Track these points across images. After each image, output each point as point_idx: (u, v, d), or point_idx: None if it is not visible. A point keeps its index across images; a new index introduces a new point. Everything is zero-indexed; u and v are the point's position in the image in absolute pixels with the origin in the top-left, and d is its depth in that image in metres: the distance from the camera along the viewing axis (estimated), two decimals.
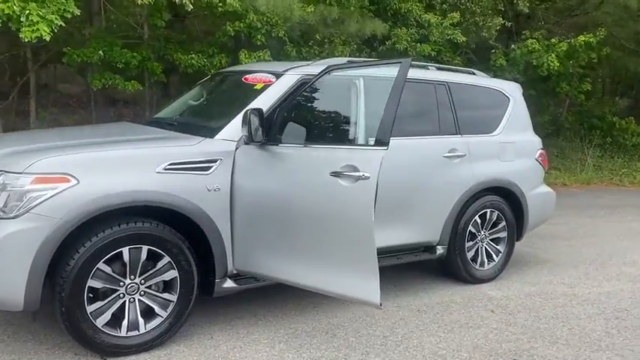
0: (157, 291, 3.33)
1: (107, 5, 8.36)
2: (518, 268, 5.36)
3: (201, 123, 3.94)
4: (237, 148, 3.46)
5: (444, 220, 4.53)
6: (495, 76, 11.50)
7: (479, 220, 4.78)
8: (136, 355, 3.23)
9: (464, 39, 9.34)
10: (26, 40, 5.64)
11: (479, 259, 4.85)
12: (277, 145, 3.45)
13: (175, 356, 3.27)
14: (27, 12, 5.59)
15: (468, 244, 4.74)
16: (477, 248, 4.85)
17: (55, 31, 5.86)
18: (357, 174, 3.08)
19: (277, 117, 3.55)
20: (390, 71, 3.24)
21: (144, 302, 3.28)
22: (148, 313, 3.30)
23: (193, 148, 3.39)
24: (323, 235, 3.20)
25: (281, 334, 3.64)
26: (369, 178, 3.02)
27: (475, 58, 11.79)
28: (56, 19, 5.80)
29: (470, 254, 4.77)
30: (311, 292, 4.22)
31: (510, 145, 4.97)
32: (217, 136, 3.51)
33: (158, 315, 3.31)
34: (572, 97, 13.40)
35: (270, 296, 4.18)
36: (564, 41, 10.52)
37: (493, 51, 11.34)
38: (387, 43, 9.11)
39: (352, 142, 3.65)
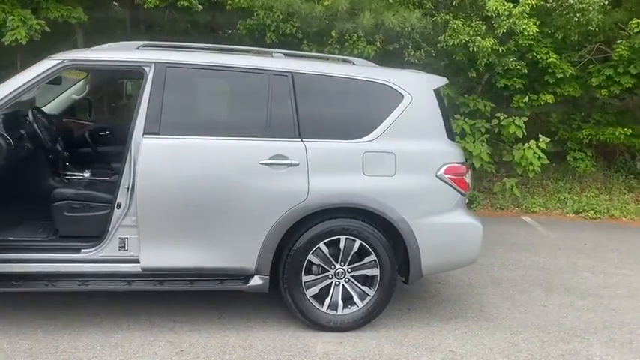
0: None
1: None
2: (423, 322, 4.00)
3: None
4: None
5: (259, 243, 3.60)
6: (616, 74, 9.06)
7: (326, 249, 3.71)
8: None
9: (535, 30, 7.40)
10: (7, 43, 6.26)
11: (328, 300, 3.76)
12: None
13: None
14: (10, 18, 6.22)
15: (307, 278, 3.72)
16: (330, 285, 3.77)
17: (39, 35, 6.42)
18: None
19: None
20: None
21: None
22: None
23: None
24: None
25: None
26: None
27: (608, 51, 9.37)
28: (38, 24, 6.35)
29: (311, 291, 3.73)
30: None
31: (387, 156, 3.72)
32: None
33: None
34: None
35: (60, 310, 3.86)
36: None
37: (619, 41, 8.87)
38: (440, 38, 7.73)
39: None
